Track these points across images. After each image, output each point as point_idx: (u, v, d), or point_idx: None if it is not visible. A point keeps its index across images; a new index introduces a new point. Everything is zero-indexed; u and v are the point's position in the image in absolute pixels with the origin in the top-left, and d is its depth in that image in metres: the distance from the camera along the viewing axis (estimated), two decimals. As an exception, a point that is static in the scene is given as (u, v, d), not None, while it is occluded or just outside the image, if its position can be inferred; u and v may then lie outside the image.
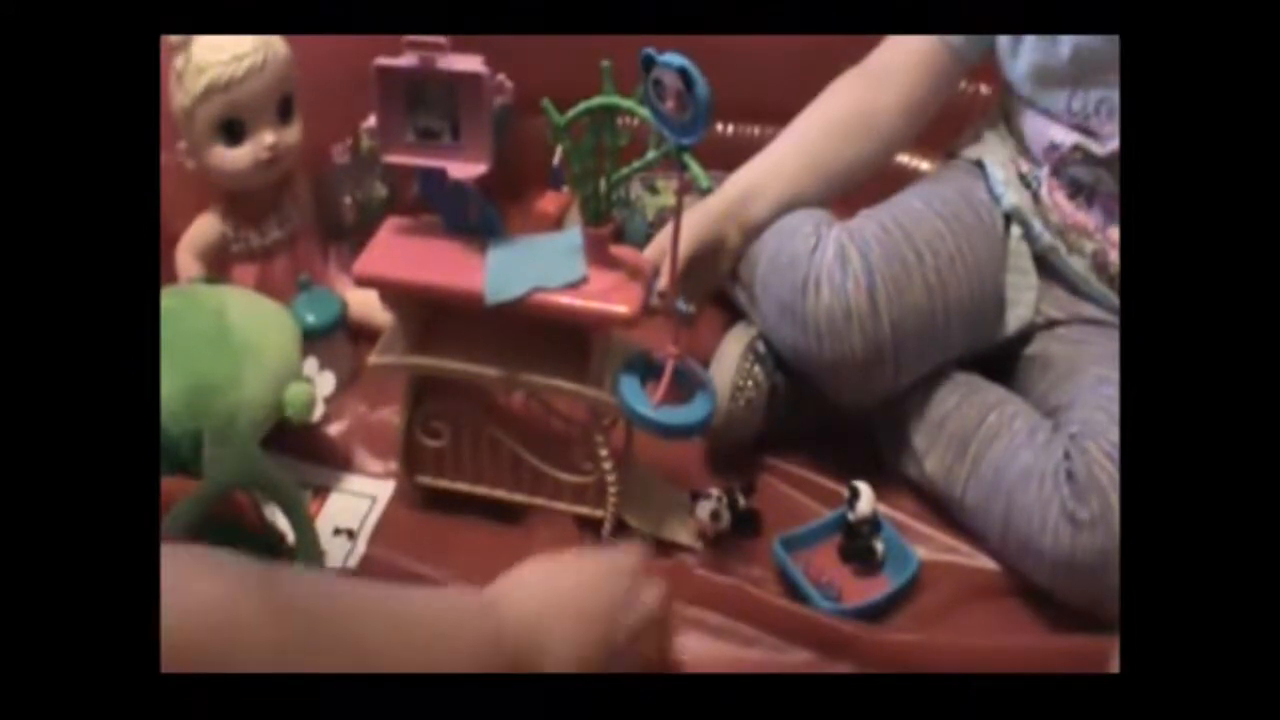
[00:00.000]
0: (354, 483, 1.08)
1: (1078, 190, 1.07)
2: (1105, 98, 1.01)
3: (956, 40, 1.09)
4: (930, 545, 1.03)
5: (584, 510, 1.00)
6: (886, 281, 0.98)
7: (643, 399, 0.89)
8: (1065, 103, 1.03)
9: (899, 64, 1.10)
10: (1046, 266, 1.10)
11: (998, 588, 1.00)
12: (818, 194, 1.08)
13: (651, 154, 0.84)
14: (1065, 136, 1.04)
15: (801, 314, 0.99)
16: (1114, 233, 1.06)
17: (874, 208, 1.05)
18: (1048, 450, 0.95)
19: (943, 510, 1.05)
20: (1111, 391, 0.96)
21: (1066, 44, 1.00)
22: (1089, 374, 1.01)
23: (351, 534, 1.02)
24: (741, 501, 1.02)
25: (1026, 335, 1.11)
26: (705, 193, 1.05)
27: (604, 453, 0.96)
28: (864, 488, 1.01)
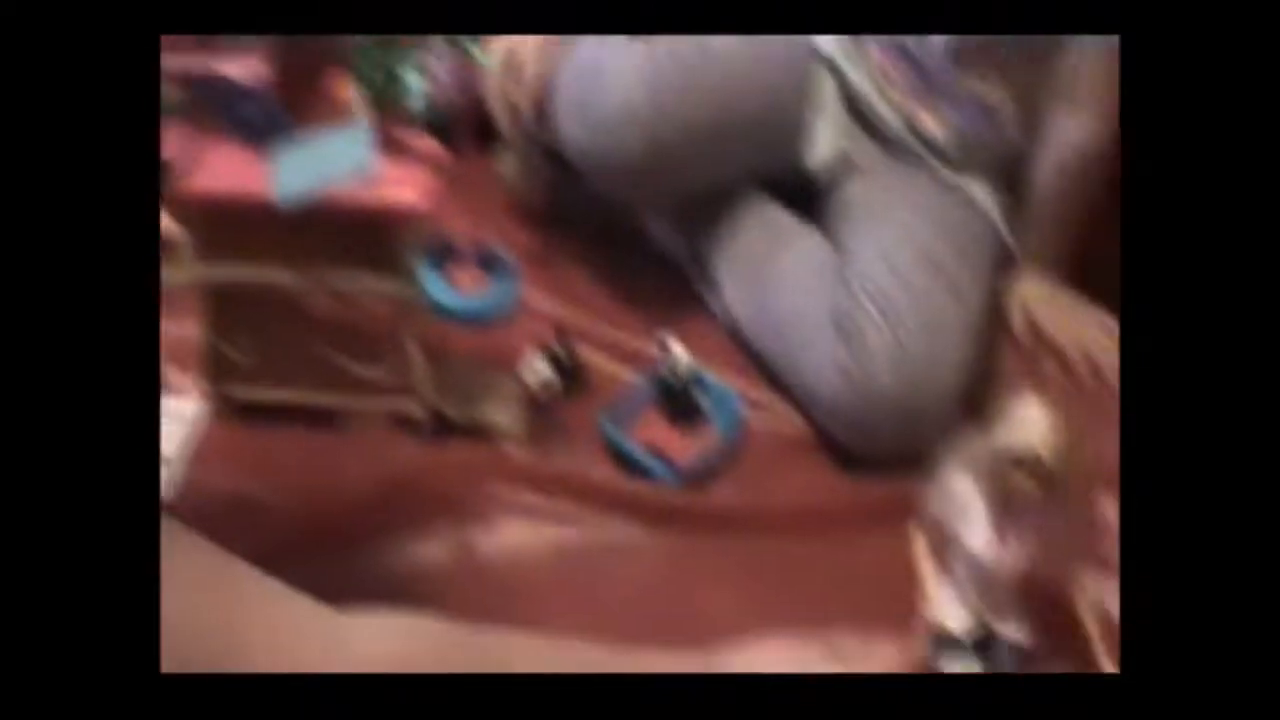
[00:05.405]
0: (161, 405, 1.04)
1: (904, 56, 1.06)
2: None
3: None
4: (743, 402, 1.03)
5: (401, 408, 0.99)
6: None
7: (445, 289, 0.89)
8: None
9: None
10: (859, 115, 1.11)
11: (811, 444, 1.02)
12: None
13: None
14: None
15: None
16: (933, 102, 1.06)
17: None
18: (825, 294, 0.98)
19: (747, 350, 1.06)
20: (898, 236, 0.99)
21: None
22: (883, 220, 1.04)
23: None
24: (564, 356, 1.02)
25: (838, 178, 1.11)
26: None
27: (413, 346, 0.95)
28: (673, 342, 1.00)
